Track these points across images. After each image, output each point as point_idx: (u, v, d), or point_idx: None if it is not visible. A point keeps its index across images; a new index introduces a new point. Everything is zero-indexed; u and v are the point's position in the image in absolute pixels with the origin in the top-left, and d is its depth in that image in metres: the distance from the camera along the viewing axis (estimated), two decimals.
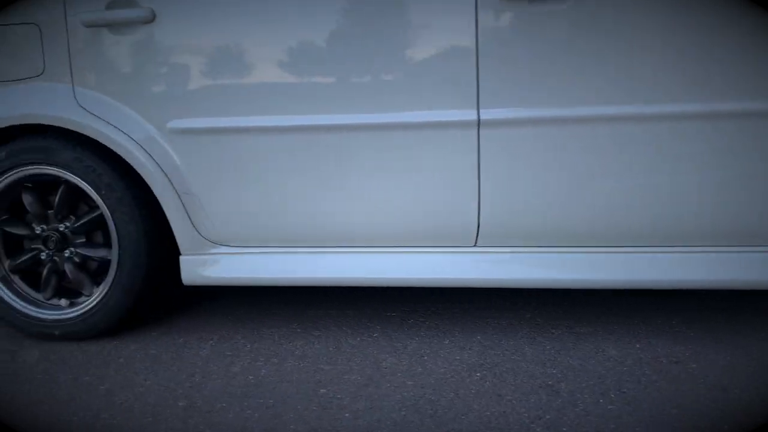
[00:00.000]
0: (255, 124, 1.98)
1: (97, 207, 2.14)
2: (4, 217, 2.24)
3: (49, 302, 2.24)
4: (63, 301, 2.22)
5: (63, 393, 1.83)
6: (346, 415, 1.63)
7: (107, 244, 2.21)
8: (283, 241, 2.10)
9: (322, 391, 1.76)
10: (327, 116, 1.93)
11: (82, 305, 2.19)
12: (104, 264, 2.21)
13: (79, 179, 2.10)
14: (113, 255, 2.13)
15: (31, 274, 2.30)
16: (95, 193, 2.09)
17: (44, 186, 2.22)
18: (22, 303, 2.22)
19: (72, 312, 2.19)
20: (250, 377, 1.87)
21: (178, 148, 2.04)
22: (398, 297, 2.46)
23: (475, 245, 2.00)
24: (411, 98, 1.88)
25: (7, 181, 2.15)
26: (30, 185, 2.19)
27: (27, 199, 2.19)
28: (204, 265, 2.13)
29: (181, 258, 2.13)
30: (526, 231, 1.94)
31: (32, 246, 2.25)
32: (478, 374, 1.81)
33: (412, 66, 1.86)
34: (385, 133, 1.92)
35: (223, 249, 2.13)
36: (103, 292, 2.15)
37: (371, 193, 1.98)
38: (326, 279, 2.08)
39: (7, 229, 2.23)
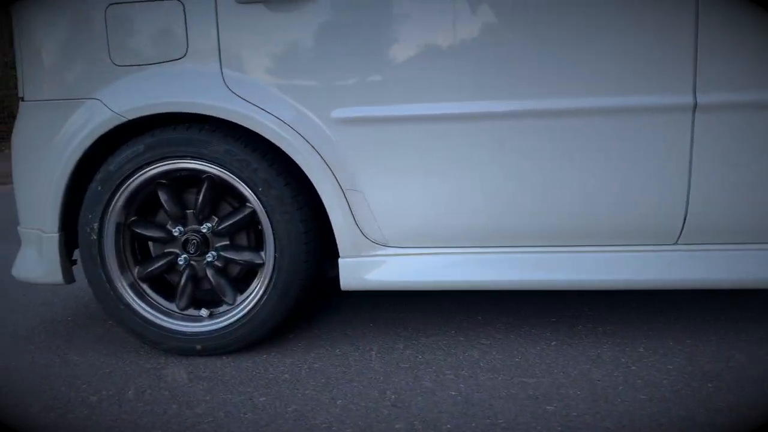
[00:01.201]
0: (431, 111, 1.79)
1: (246, 205, 1.92)
2: (133, 218, 1.99)
3: (184, 313, 2.00)
4: (203, 311, 1.98)
5: (250, 417, 1.61)
6: None
7: (252, 247, 1.99)
8: (454, 241, 1.90)
9: (549, 408, 1.58)
10: (512, 102, 1.75)
11: (228, 315, 1.96)
12: (247, 269, 1.99)
13: (230, 174, 1.87)
14: (267, 259, 1.91)
15: (156, 282, 2.06)
16: (249, 191, 1.86)
17: (179, 182, 1.99)
18: (158, 315, 1.98)
19: (216, 323, 1.96)
20: (452, 392, 1.68)
21: (343, 140, 1.83)
22: (542, 300, 2.29)
23: (676, 243, 1.83)
24: (614, 81, 1.70)
25: (143, 177, 1.91)
26: (164, 182, 1.95)
27: (163, 197, 1.95)
28: (366, 269, 1.93)
29: (341, 261, 1.92)
30: (737, 226, 1.79)
31: (166, 250, 2.01)
32: (710, 385, 1.65)
33: (615, 46, 1.68)
34: (577, 120, 1.75)
35: (389, 250, 1.93)
36: (254, 301, 1.93)
37: (557, 186, 1.80)
38: (504, 282, 1.89)
39: (139, 231, 1.98)
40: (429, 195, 1.85)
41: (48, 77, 1.96)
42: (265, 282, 1.91)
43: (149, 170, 1.89)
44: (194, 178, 1.95)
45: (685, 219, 1.79)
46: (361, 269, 1.92)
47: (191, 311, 2.00)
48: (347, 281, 1.93)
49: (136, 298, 1.97)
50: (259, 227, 1.95)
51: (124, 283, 1.97)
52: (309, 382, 1.78)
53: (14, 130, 2.08)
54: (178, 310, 2.00)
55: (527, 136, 1.77)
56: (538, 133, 1.76)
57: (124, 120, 1.88)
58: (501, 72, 1.74)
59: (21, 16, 1.98)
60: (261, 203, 1.86)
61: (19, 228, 2.14)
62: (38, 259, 2.05)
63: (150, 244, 2.09)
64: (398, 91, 1.78)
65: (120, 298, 1.96)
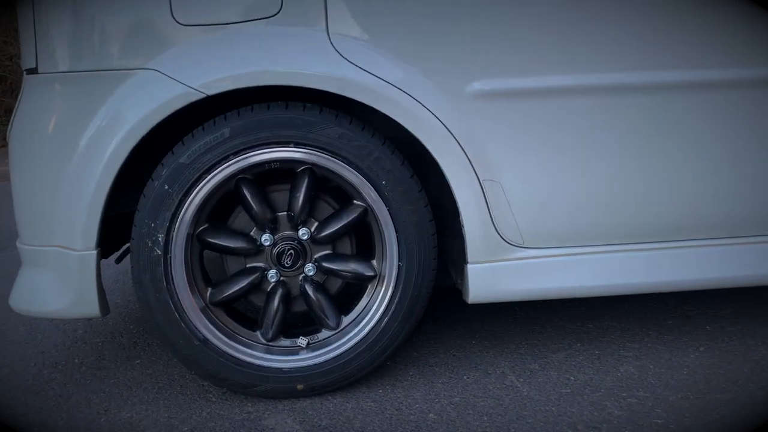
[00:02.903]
0: (586, 83, 1.50)
1: (354, 204, 1.53)
2: (204, 225, 1.53)
3: (271, 344, 1.57)
4: (301, 341, 1.56)
5: None
6: None
7: (355, 255, 1.60)
8: (605, 238, 1.61)
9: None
10: (686, 71, 1.50)
11: (337, 344, 1.56)
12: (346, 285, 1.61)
13: (344, 165, 1.47)
14: (389, 269, 1.53)
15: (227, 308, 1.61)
16: (369, 185, 1.47)
17: (262, 178, 1.56)
18: (244, 350, 1.53)
19: (319, 355, 1.55)
20: (657, 420, 1.39)
21: (483, 120, 1.50)
22: (630, 302, 2.06)
23: None
24: None
25: (226, 171, 1.46)
26: (248, 177, 1.51)
27: (250, 196, 1.51)
28: (502, 276, 1.59)
29: (470, 267, 1.57)
30: None
31: (249, 265, 1.56)
32: None
33: None
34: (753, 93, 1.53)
35: (527, 252, 1.60)
36: (372, 322, 1.54)
37: (724, 172, 1.57)
38: (673, 283, 1.62)
39: (217, 242, 1.52)
40: (580, 183, 1.55)
41: (75, 41, 1.46)
42: (386, 298, 1.53)
43: (235, 161, 1.45)
44: (283, 171, 1.52)
45: None
46: (496, 277, 1.58)
47: (281, 341, 1.57)
48: (478, 292, 1.58)
49: (214, 330, 1.51)
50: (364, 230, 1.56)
51: (198, 311, 1.50)
52: (469, 422, 1.42)
53: (16, 114, 1.54)
54: (264, 342, 1.56)
55: (697, 113, 1.52)
56: (711, 110, 1.52)
57: (201, 96, 1.43)
58: (669, 37, 1.48)
59: None
60: (384, 200, 1.48)
61: (20, 245, 1.60)
62: (59, 286, 1.54)
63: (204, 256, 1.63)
64: (550, 59, 1.47)
65: (193, 331, 1.49)
